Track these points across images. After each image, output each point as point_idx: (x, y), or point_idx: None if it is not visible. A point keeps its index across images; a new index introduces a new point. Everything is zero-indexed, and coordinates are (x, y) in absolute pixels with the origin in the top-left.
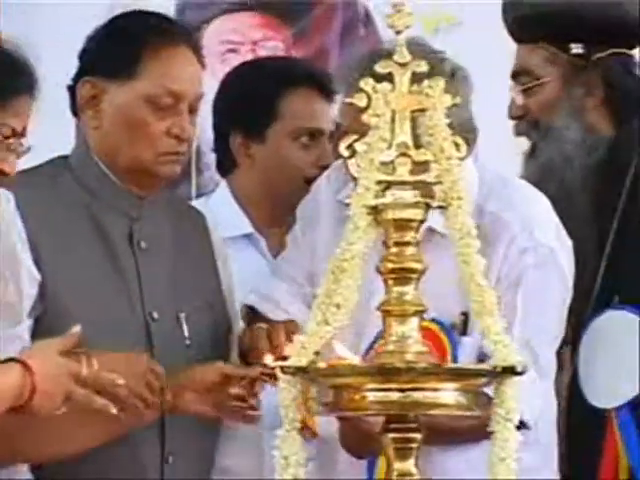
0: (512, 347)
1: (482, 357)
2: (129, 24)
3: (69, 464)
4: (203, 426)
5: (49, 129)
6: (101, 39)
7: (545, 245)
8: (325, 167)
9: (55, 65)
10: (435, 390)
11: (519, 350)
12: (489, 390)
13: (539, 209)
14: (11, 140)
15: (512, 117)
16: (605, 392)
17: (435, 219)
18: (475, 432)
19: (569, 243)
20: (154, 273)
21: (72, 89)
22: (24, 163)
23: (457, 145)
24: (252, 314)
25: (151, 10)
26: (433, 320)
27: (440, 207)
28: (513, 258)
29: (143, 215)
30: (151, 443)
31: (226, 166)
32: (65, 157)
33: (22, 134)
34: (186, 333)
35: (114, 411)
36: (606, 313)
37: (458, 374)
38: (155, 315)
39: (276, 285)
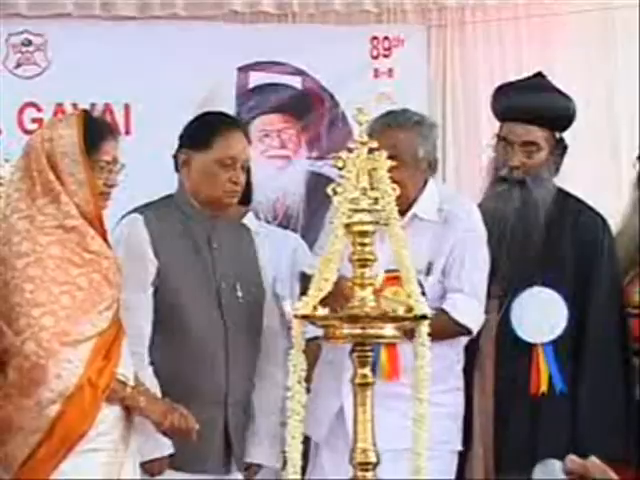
0: (424, 303)
1: (443, 291)
2: (206, 118)
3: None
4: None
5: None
6: (192, 127)
7: (479, 227)
8: None
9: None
10: (381, 328)
11: (466, 288)
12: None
13: (473, 208)
14: (109, 166)
15: (512, 166)
16: (534, 332)
17: (419, 208)
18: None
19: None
20: (222, 261)
21: (175, 157)
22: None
23: (394, 189)
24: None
25: (220, 110)
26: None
27: (385, 224)
28: (461, 235)
29: (216, 227)
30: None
31: None
32: (172, 195)
33: (114, 162)
34: (240, 295)
35: None
36: (534, 288)
37: (394, 318)
38: (223, 285)
39: None
